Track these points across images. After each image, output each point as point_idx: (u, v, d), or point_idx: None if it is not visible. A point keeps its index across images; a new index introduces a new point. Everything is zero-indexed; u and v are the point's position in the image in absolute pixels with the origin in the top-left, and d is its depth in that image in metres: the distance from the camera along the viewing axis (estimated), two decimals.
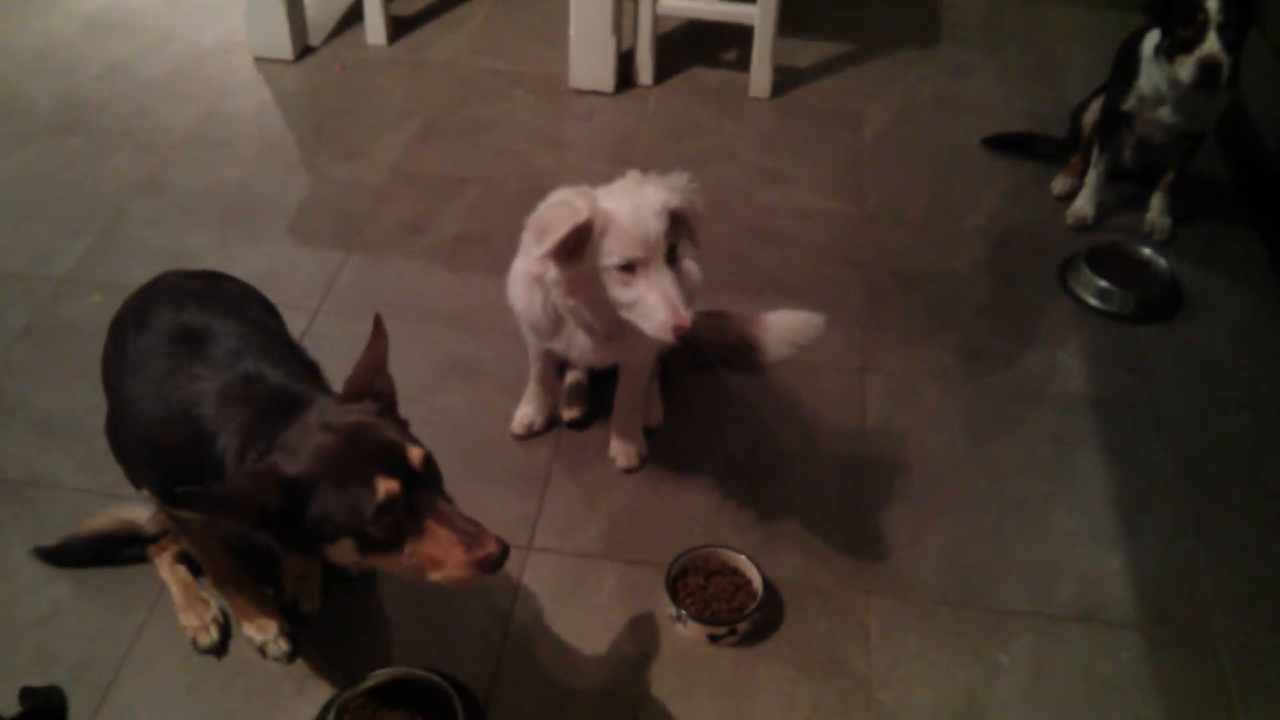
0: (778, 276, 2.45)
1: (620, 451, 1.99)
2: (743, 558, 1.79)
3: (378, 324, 1.37)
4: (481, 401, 2.11)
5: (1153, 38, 2.36)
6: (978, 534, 1.91)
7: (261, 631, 1.66)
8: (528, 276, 1.73)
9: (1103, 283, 2.39)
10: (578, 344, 1.76)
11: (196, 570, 1.74)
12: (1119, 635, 1.76)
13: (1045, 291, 2.45)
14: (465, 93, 3.04)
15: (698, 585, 1.77)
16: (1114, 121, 2.53)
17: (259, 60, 3.11)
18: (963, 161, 2.85)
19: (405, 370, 2.12)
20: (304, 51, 3.16)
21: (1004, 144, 2.87)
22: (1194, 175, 2.64)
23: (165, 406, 1.37)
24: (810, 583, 1.81)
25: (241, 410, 1.32)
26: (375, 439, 1.24)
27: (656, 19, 3.00)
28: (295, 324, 2.18)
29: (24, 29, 3.25)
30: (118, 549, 1.77)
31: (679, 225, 1.58)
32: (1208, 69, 2.17)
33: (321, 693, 1.62)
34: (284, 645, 1.66)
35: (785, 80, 3.11)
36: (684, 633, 1.72)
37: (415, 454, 1.24)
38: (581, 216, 1.50)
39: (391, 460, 1.22)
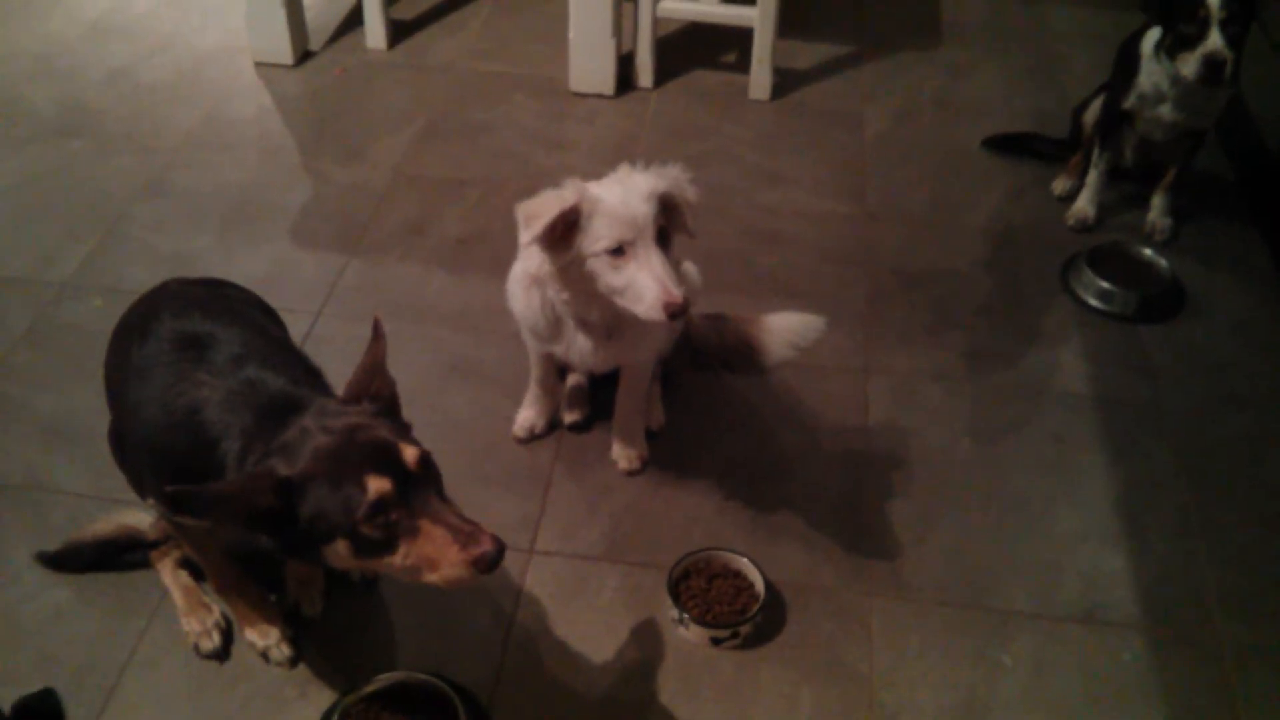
0: (779, 277, 2.45)
1: (622, 454, 1.99)
2: (745, 560, 1.79)
3: (376, 327, 1.38)
4: (483, 404, 2.12)
5: (1153, 36, 2.36)
6: (980, 534, 1.91)
7: (264, 637, 1.67)
8: (526, 278, 1.74)
9: (1104, 283, 2.39)
10: (577, 348, 1.77)
11: (199, 575, 1.74)
12: (1121, 636, 1.75)
13: (1047, 291, 2.45)
14: (466, 96, 3.04)
15: (700, 588, 1.77)
16: (1115, 120, 2.53)
17: (260, 64, 3.12)
18: (963, 162, 2.85)
19: (407, 372, 2.12)
20: (304, 55, 3.17)
21: (1004, 144, 2.87)
22: (1195, 174, 2.64)
23: (169, 414, 1.37)
24: (812, 584, 1.81)
25: (243, 416, 1.32)
26: (368, 439, 1.24)
27: (656, 21, 3.00)
28: (298, 327, 2.19)
29: (27, 33, 3.26)
30: (120, 554, 1.78)
31: (670, 211, 1.58)
32: (1212, 65, 2.17)
33: (324, 697, 1.62)
34: (286, 650, 1.66)
35: (785, 82, 3.11)
36: (686, 635, 1.72)
37: (410, 454, 1.24)
38: (568, 201, 1.52)
39: (384, 460, 1.22)
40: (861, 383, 2.20)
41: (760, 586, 1.75)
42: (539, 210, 1.54)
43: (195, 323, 1.46)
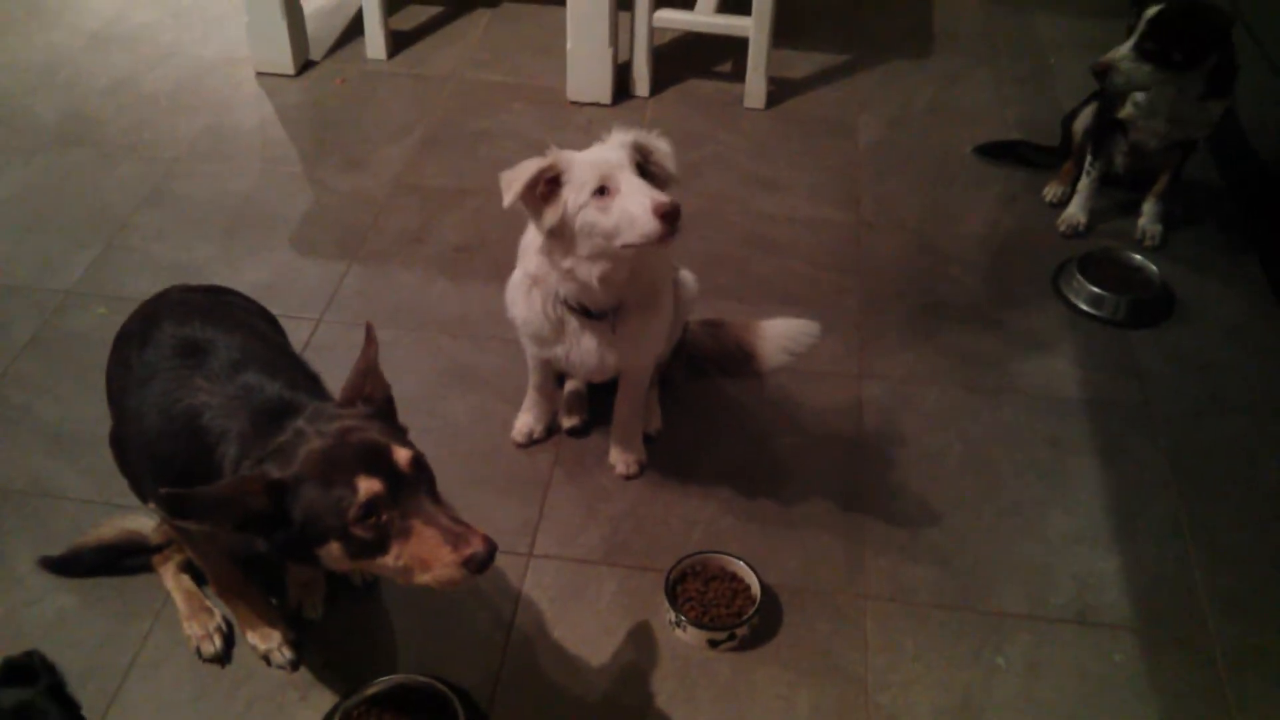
0: (774, 284, 2.48)
1: (620, 459, 2.01)
2: (741, 563, 1.81)
3: (368, 331, 1.40)
4: (482, 409, 2.13)
5: None
6: (974, 537, 1.93)
7: (265, 640, 1.68)
8: (526, 281, 1.76)
9: (1095, 289, 2.41)
10: (579, 350, 1.78)
11: (200, 579, 1.75)
12: (1114, 637, 1.77)
13: (1038, 297, 2.48)
14: (465, 105, 3.07)
15: (697, 591, 1.78)
16: (1108, 128, 2.56)
17: (261, 74, 3.15)
18: (956, 169, 2.88)
19: (407, 379, 2.16)
20: (305, 66, 3.20)
21: (996, 151, 2.90)
22: (1185, 181, 2.67)
23: (168, 419, 1.39)
24: (808, 587, 1.83)
25: (240, 420, 1.34)
26: (359, 441, 1.25)
27: (652, 31, 3.03)
28: (299, 334, 2.21)
29: (30, 44, 3.28)
30: (122, 559, 1.79)
31: (647, 159, 1.63)
32: (1098, 67, 2.29)
33: (325, 700, 1.63)
34: (288, 653, 1.68)
35: (780, 91, 3.14)
36: (683, 638, 1.74)
37: (402, 455, 1.25)
38: (546, 161, 1.58)
39: (375, 461, 1.23)
40: (856, 387, 2.22)
41: (756, 589, 1.77)
42: (518, 174, 1.58)
43: (196, 329, 1.48)
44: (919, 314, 2.41)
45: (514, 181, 1.58)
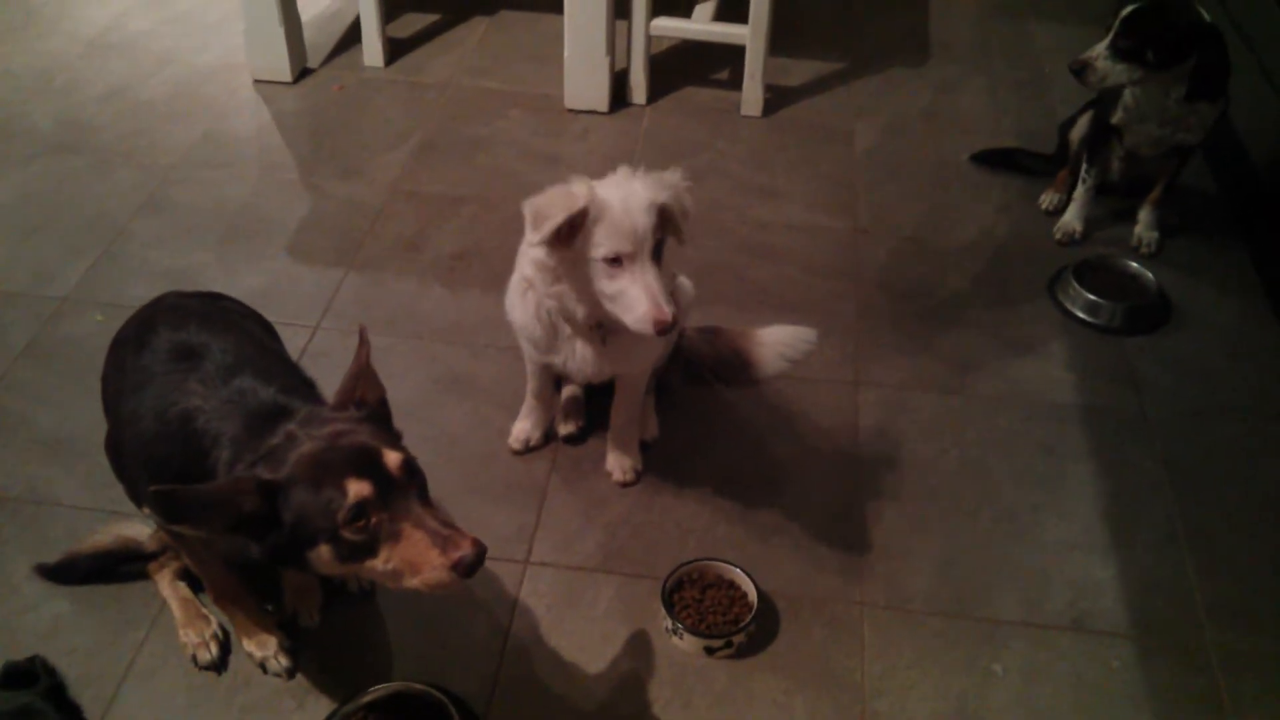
0: (770, 291, 2.48)
1: (616, 465, 2.01)
2: (738, 570, 1.81)
3: (361, 334, 1.40)
4: (479, 416, 2.14)
5: None
6: (970, 544, 1.93)
7: (261, 647, 1.68)
8: (522, 284, 1.76)
9: (1091, 296, 2.42)
10: (576, 357, 1.79)
11: (197, 586, 1.75)
12: (1111, 644, 1.77)
13: (1034, 304, 2.48)
14: (462, 112, 3.08)
15: (694, 598, 1.78)
16: (1103, 134, 2.57)
17: (258, 81, 3.15)
18: (952, 177, 2.89)
19: (403, 386, 2.16)
20: (302, 73, 3.20)
21: (992, 159, 2.91)
22: (1181, 188, 2.68)
23: (163, 423, 1.39)
24: (805, 594, 1.83)
25: (234, 424, 1.34)
26: (350, 444, 1.25)
27: (649, 39, 3.05)
28: (295, 341, 2.21)
29: (26, 50, 3.29)
30: (118, 566, 1.79)
31: (667, 221, 1.61)
32: (1076, 64, 2.31)
33: (321, 707, 1.63)
34: (284, 661, 1.67)
35: (777, 98, 3.16)
36: (680, 645, 1.74)
37: (392, 458, 1.25)
38: (578, 204, 1.54)
39: (365, 464, 1.23)
40: (852, 394, 2.22)
41: (753, 596, 1.77)
42: (548, 210, 1.55)
43: (190, 334, 1.48)
44: (915, 321, 2.42)
45: (543, 222, 1.54)
